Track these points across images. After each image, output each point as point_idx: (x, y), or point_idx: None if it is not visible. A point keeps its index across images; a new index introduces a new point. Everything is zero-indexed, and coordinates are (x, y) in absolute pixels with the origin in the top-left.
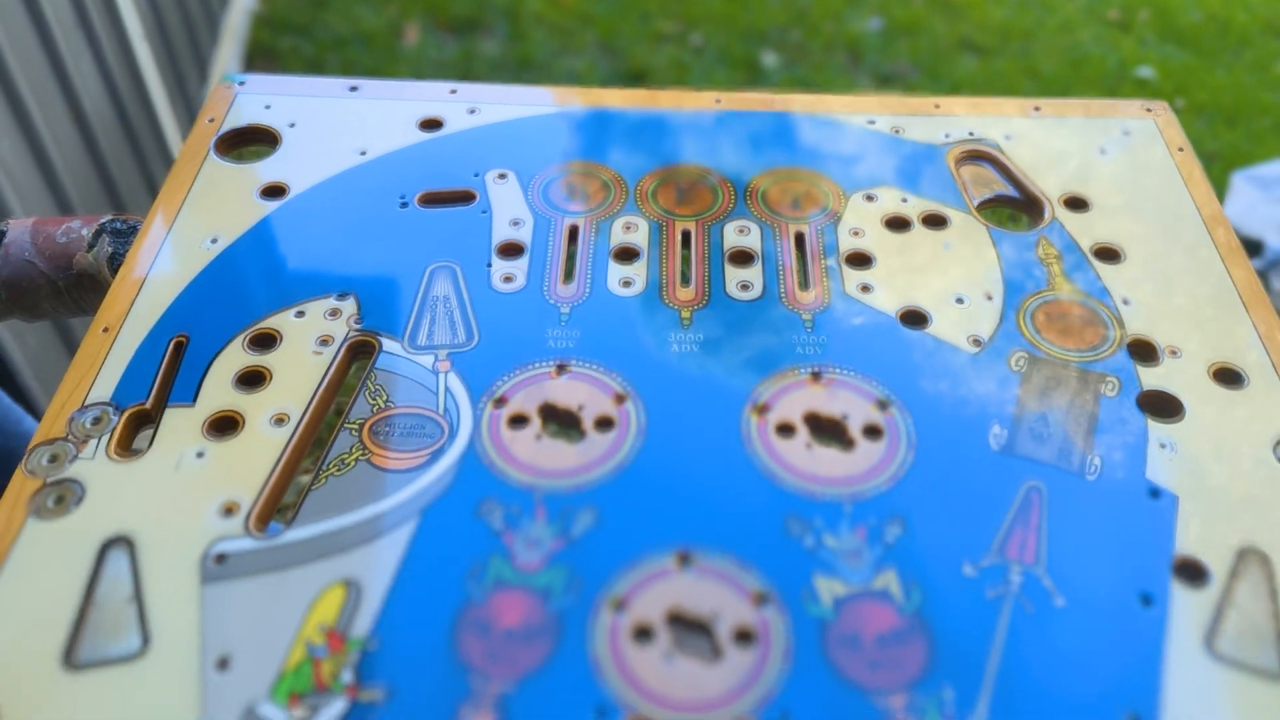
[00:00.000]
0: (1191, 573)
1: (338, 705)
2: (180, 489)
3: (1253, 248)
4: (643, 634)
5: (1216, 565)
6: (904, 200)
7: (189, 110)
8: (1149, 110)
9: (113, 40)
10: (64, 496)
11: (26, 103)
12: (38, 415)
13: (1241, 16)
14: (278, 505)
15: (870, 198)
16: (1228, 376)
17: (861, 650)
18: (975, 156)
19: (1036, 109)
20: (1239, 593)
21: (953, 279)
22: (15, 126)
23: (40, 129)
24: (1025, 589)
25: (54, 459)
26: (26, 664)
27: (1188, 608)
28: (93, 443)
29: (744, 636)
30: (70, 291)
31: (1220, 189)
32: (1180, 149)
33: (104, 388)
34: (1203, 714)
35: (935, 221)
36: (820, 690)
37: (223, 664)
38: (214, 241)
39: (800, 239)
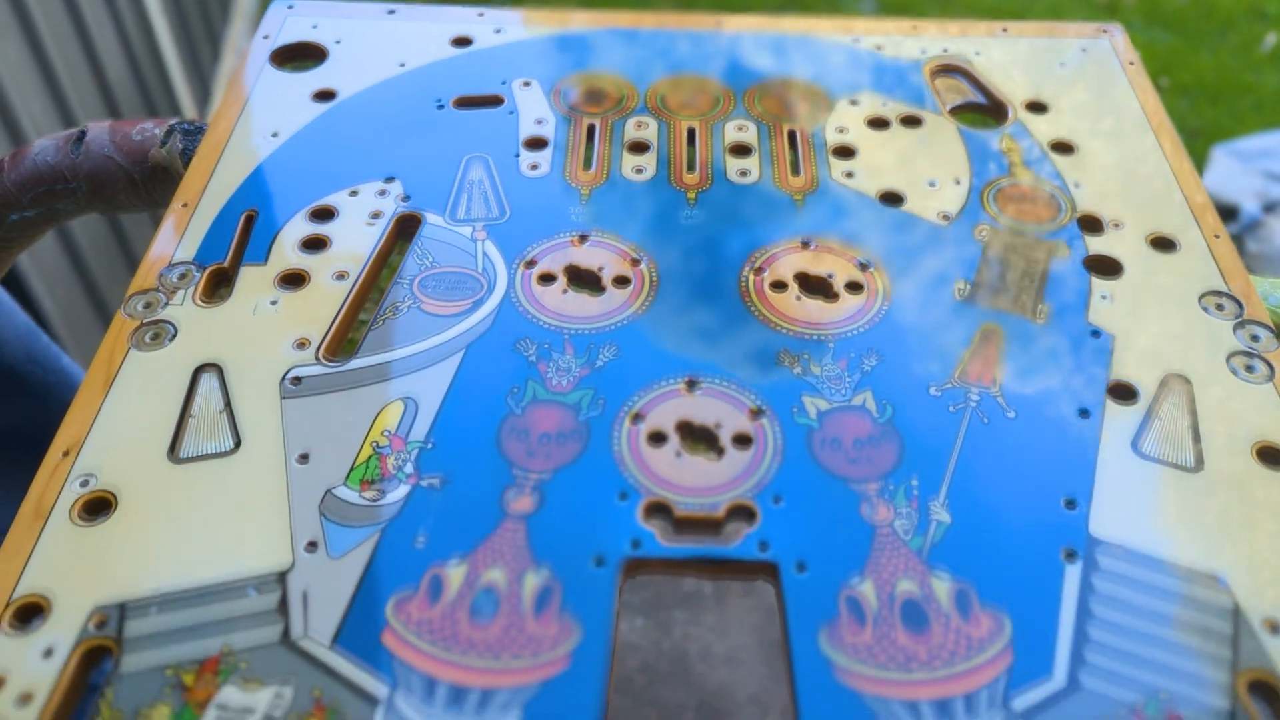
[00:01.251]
0: (1123, 392)
1: (402, 490)
2: (259, 328)
3: (1228, 213)
4: (657, 438)
5: (1145, 386)
6: (884, 105)
7: (202, 82)
8: (1104, 31)
9: (134, 14)
10: (159, 334)
11: (56, 68)
12: None
13: (1227, 0)
14: (343, 341)
15: (854, 102)
16: (1163, 244)
17: (842, 450)
18: (948, 69)
19: (1004, 30)
20: (1162, 407)
21: (926, 167)
22: (45, 90)
23: (69, 94)
24: (982, 405)
25: (148, 305)
26: (139, 458)
27: (1119, 419)
28: (181, 293)
29: (742, 440)
30: (145, 184)
31: (1201, 163)
32: (1130, 62)
33: (186, 251)
34: (1127, 497)
35: (911, 121)
36: (807, 478)
37: (304, 458)
38: (274, 135)
39: (792, 135)
